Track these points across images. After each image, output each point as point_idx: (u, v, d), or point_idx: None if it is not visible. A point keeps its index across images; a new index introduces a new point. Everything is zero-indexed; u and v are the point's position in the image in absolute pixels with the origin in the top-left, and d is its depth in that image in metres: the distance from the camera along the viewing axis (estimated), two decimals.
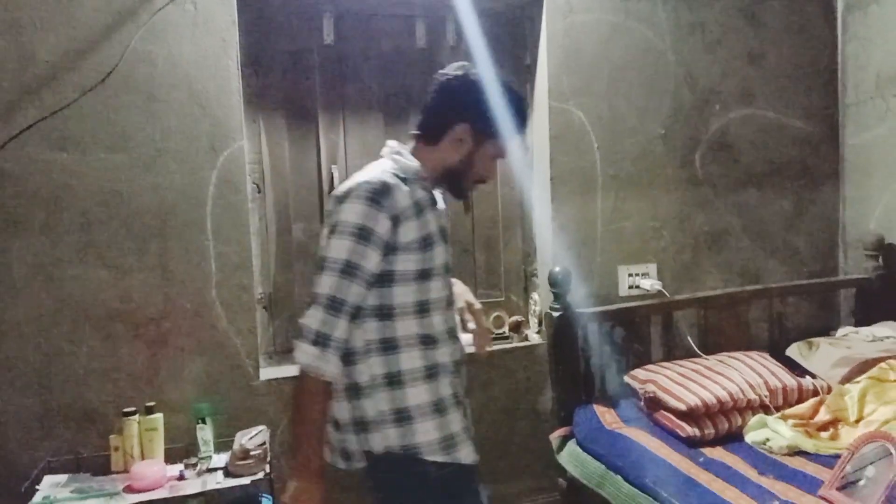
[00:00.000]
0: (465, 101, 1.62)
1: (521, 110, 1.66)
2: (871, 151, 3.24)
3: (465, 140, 1.64)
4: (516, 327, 3.00)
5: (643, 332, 2.91)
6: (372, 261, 1.50)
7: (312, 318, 1.47)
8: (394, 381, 1.56)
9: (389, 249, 1.53)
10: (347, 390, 1.58)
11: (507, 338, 2.97)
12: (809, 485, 2.05)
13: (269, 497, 2.28)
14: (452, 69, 1.66)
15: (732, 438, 2.40)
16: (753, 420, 2.43)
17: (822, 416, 2.43)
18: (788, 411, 2.45)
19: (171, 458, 2.33)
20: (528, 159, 3.05)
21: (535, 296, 3.02)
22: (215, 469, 2.26)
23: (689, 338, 2.90)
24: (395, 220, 1.52)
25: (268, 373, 2.64)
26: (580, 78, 2.93)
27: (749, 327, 3.05)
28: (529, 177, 3.04)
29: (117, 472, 2.26)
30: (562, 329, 2.69)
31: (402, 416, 1.56)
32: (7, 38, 2.28)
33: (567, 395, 2.72)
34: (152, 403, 2.35)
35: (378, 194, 1.51)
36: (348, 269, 1.48)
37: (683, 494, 2.07)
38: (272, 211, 2.75)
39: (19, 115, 2.30)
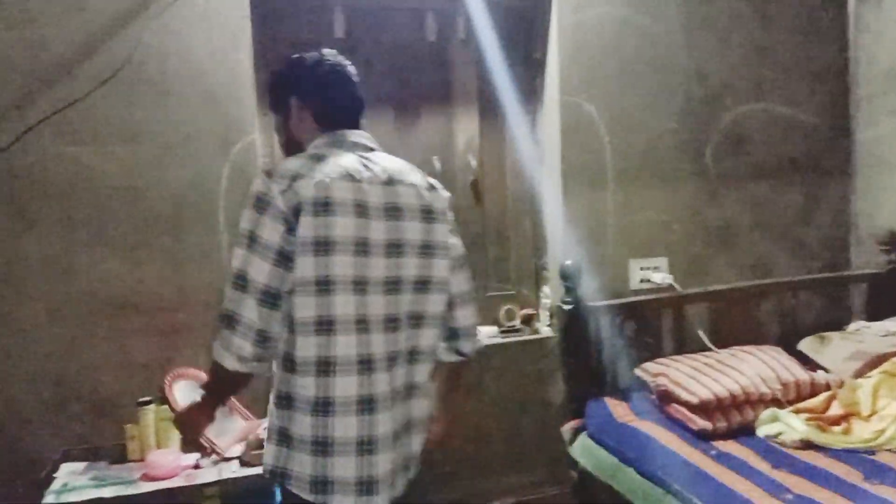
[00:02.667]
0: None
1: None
2: (882, 145, 3.22)
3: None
4: (527, 320, 3.00)
5: (654, 325, 2.91)
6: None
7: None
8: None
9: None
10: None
11: (518, 331, 2.97)
12: (822, 479, 2.05)
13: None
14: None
15: (744, 432, 2.40)
16: (765, 414, 2.42)
17: (835, 410, 2.42)
18: (801, 405, 2.45)
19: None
20: (538, 153, 3.05)
21: (545, 289, 3.02)
22: (230, 459, 2.26)
23: (700, 332, 2.89)
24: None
25: None
26: (590, 72, 2.92)
27: (760, 322, 3.05)
28: (540, 170, 3.04)
29: (133, 461, 2.27)
30: (573, 322, 2.69)
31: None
32: (20, 31, 2.29)
33: (579, 387, 2.73)
34: None
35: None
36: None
37: (696, 487, 2.07)
38: None
39: (33, 108, 2.31)
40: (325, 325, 1.40)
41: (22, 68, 2.30)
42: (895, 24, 3.12)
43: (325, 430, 1.41)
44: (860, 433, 2.30)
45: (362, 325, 1.42)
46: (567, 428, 2.70)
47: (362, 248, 1.43)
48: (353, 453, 1.43)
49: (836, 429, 2.35)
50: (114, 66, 2.36)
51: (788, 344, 2.91)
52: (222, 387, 1.51)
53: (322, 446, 1.41)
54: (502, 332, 2.95)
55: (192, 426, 1.57)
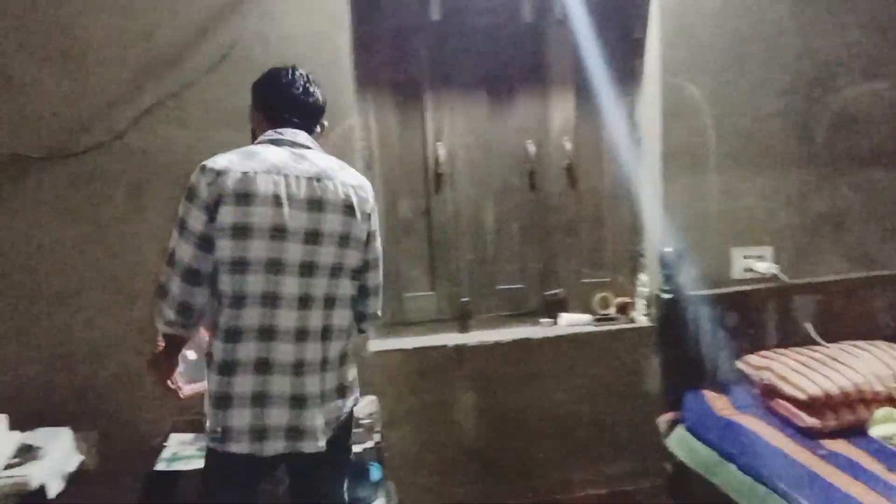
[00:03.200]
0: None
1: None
2: None
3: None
4: (623, 309, 2.94)
5: (757, 317, 2.79)
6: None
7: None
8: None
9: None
10: None
11: (612, 319, 2.91)
12: None
13: (378, 465, 2.33)
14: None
15: (855, 431, 2.29)
16: (879, 413, 2.30)
17: None
18: None
19: None
20: (636, 136, 2.96)
21: (642, 277, 2.94)
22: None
23: (807, 324, 2.76)
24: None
25: (376, 345, 2.70)
26: (694, 52, 2.81)
27: (874, 315, 2.88)
28: (637, 154, 2.96)
29: None
30: (672, 312, 2.63)
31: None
32: (134, 21, 2.38)
33: (676, 379, 2.66)
34: None
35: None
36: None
37: (804, 487, 1.99)
38: (380, 187, 2.78)
39: (146, 94, 2.40)
40: (237, 299, 1.62)
41: (136, 57, 2.39)
42: None
43: (228, 387, 1.64)
44: None
45: (269, 300, 1.64)
46: (663, 420, 2.64)
47: (279, 233, 1.64)
48: (252, 403, 1.64)
49: None
50: (220, 52, 2.43)
51: None
52: (166, 341, 1.75)
53: (223, 401, 1.64)
54: (596, 320, 2.90)
55: (155, 368, 1.80)
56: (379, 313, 1.95)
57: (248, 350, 1.63)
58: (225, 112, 2.45)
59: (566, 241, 2.96)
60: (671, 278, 2.62)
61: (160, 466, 2.16)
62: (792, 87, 2.91)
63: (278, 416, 1.65)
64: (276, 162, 1.67)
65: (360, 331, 1.94)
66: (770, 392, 2.42)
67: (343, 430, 1.83)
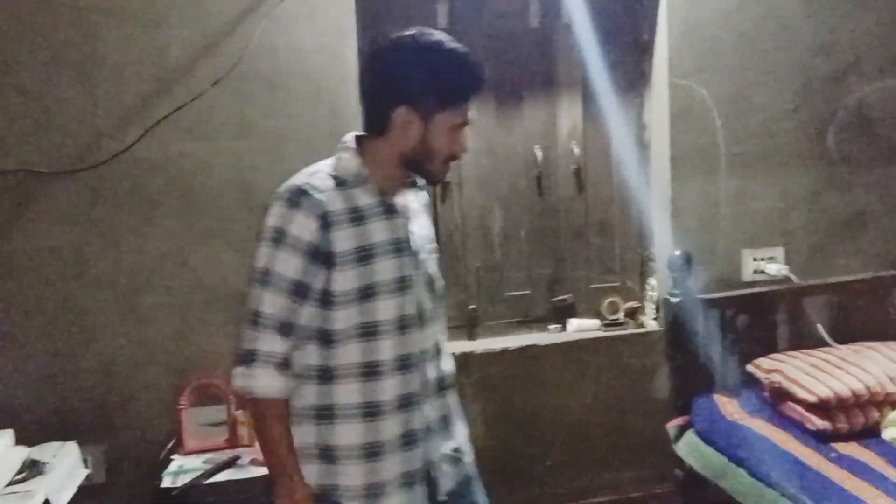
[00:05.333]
0: (396, 80, 1.41)
1: (466, 65, 1.44)
2: None
3: (412, 122, 1.41)
4: (632, 313, 2.93)
5: (768, 319, 2.76)
6: (291, 265, 1.35)
7: (241, 337, 1.39)
8: (323, 414, 1.41)
9: (322, 257, 1.36)
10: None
11: (621, 324, 2.90)
12: None
13: None
14: (377, 47, 1.50)
15: (868, 434, 2.26)
16: (893, 415, 2.27)
17: None
18: None
19: None
20: (645, 139, 2.95)
21: (651, 280, 2.93)
22: None
23: (819, 326, 2.73)
24: (325, 223, 1.36)
25: None
26: (703, 52, 2.79)
27: (888, 316, 2.84)
28: (646, 157, 2.95)
29: (244, 446, 2.39)
30: (681, 316, 2.60)
31: (327, 454, 1.41)
32: (146, 35, 2.41)
33: (685, 383, 2.64)
34: None
35: (296, 195, 1.37)
36: (264, 278, 1.36)
37: (815, 491, 1.97)
38: None
39: (155, 107, 2.44)
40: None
41: (147, 69, 2.43)
42: None
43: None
44: None
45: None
46: (672, 425, 2.62)
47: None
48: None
49: None
50: (228, 63, 2.45)
51: None
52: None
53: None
54: (605, 325, 2.89)
55: None
56: None
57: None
58: (234, 124, 2.49)
59: (574, 246, 2.96)
60: (680, 282, 2.61)
61: (166, 481, 2.18)
62: (805, 85, 2.88)
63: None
64: None
65: None
66: (780, 395, 2.39)
67: None
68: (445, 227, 2.86)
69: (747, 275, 2.85)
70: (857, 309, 2.80)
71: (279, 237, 1.35)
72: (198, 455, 2.33)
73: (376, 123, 1.44)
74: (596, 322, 2.90)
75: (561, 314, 2.94)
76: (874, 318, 2.80)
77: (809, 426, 2.27)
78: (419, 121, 1.41)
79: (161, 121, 2.43)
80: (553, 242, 2.95)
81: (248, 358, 1.36)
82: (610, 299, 2.93)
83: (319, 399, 1.41)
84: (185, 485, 2.13)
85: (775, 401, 2.42)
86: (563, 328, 2.90)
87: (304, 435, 1.42)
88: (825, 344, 2.67)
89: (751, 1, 2.80)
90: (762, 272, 2.83)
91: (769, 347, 2.69)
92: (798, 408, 2.32)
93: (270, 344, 1.36)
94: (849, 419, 2.27)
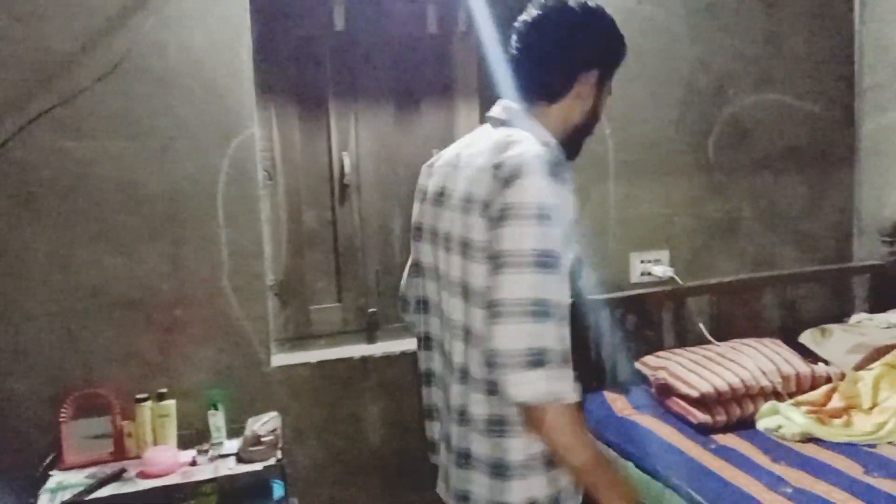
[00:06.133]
0: (583, 44, 1.37)
1: (619, 34, 1.45)
2: (887, 136, 3.20)
3: (591, 87, 1.37)
4: None
5: (655, 318, 2.90)
6: (563, 246, 1.20)
7: (514, 336, 1.15)
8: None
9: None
10: (491, 423, 1.29)
11: None
12: (822, 472, 2.04)
13: (281, 482, 2.29)
14: (548, 10, 1.41)
15: (744, 425, 2.39)
16: (766, 407, 2.41)
17: (836, 403, 2.41)
18: (801, 398, 2.44)
19: (183, 444, 2.35)
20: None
21: None
22: (227, 455, 2.27)
23: (700, 325, 2.89)
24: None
25: (279, 359, 2.65)
26: None
27: (762, 314, 3.04)
28: None
29: (130, 458, 2.28)
30: (572, 316, 2.66)
31: (550, 460, 1.28)
32: (25, 27, 2.27)
33: (577, 381, 2.71)
34: (164, 390, 2.37)
35: (557, 167, 1.20)
36: (545, 261, 1.16)
37: (695, 481, 2.07)
38: (283, 198, 2.76)
39: (34, 103, 2.29)
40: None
41: (26, 63, 2.28)
42: None
43: None
44: (861, 426, 2.29)
45: None
46: None
47: None
48: None
49: (837, 422, 2.34)
50: (114, 59, 2.35)
51: (790, 336, 2.90)
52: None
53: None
54: None
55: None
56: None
57: None
58: (119, 122, 2.37)
59: None
60: (572, 283, 2.68)
61: (44, 499, 2.04)
62: (686, 97, 3.05)
63: None
64: None
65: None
66: (666, 391, 2.51)
67: None
68: (344, 230, 2.84)
69: (635, 276, 2.98)
70: (733, 308, 2.98)
71: (548, 214, 1.16)
72: (80, 469, 2.21)
73: (553, 89, 1.36)
74: None
75: None
76: (748, 316, 2.99)
77: (692, 420, 2.38)
78: (595, 86, 1.37)
79: (38, 117, 2.29)
80: None
81: (545, 358, 1.15)
82: None
83: None
84: (64, 502, 2.00)
85: (661, 397, 2.53)
86: None
87: (530, 444, 1.28)
88: (706, 341, 2.82)
89: (636, 17, 2.95)
90: (649, 274, 2.97)
91: (656, 346, 2.83)
92: (682, 402, 2.44)
93: (564, 338, 1.19)
94: (727, 412, 2.40)
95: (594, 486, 1.28)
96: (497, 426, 1.30)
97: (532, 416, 1.21)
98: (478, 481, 1.33)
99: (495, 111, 1.41)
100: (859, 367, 2.57)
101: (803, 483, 1.98)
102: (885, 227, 3.13)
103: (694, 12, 3.02)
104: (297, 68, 2.76)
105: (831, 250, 3.32)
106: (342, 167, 2.80)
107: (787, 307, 3.11)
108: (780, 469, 2.08)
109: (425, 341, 1.57)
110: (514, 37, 1.42)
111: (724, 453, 2.21)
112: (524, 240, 1.16)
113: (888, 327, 2.86)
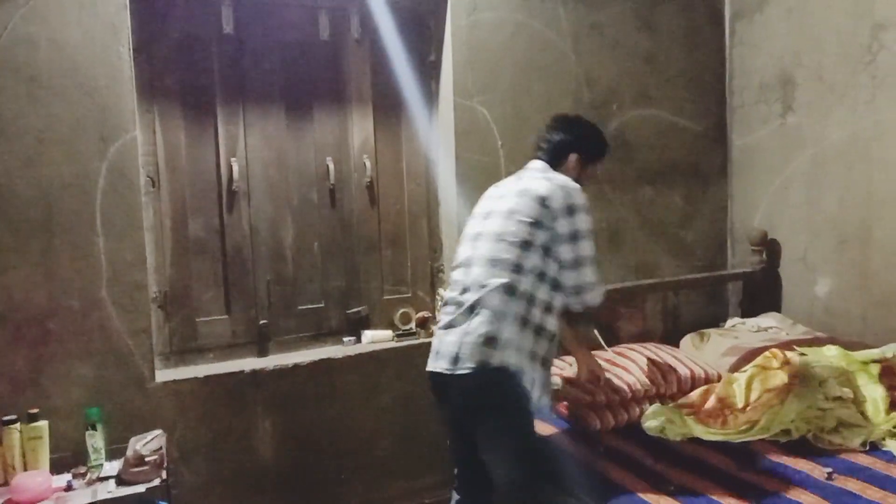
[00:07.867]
0: (576, 138, 2.27)
1: (603, 139, 2.36)
2: (755, 152, 3.44)
3: (575, 163, 2.26)
4: (423, 323, 3.00)
5: None
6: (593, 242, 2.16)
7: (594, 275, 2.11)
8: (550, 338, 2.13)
9: None
10: (537, 329, 2.04)
11: (413, 334, 2.96)
12: (701, 470, 2.16)
13: (167, 503, 2.18)
14: (564, 117, 2.37)
15: (631, 428, 2.49)
16: (650, 409, 2.51)
17: (712, 403, 2.53)
18: (682, 400, 2.56)
19: (57, 467, 2.20)
20: (434, 155, 3.05)
21: (441, 291, 3.03)
22: (107, 478, 2.15)
23: (595, 331, 2.97)
24: None
25: (164, 375, 2.53)
26: (484, 75, 2.96)
27: (646, 320, 3.17)
28: (436, 172, 3.05)
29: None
30: None
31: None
32: None
33: None
34: (36, 410, 2.20)
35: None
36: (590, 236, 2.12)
37: (584, 482, 2.13)
38: (168, 205, 2.63)
39: None
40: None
41: None
42: (767, 39, 3.33)
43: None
44: (735, 425, 2.42)
45: None
46: None
47: None
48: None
49: (714, 421, 2.47)
50: None
51: (672, 340, 3.05)
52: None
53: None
54: (398, 335, 2.94)
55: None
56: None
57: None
58: None
59: (368, 259, 2.98)
60: None
61: None
62: (573, 111, 3.13)
63: None
64: None
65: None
66: (560, 397, 2.57)
67: None
68: (232, 238, 2.74)
69: None
70: (619, 315, 3.10)
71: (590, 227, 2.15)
72: None
73: (557, 159, 2.26)
74: (389, 333, 2.93)
75: (356, 326, 2.94)
76: (633, 323, 3.12)
77: (584, 424, 2.46)
78: (578, 163, 2.28)
79: None
80: (347, 255, 2.94)
81: (601, 281, 2.14)
82: (402, 310, 2.99)
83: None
84: None
85: (556, 402, 2.59)
86: (358, 340, 2.90)
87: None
88: (601, 347, 2.91)
89: (525, 33, 3.03)
90: None
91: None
92: (573, 407, 2.51)
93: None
94: (615, 416, 2.49)
95: (578, 357, 2.49)
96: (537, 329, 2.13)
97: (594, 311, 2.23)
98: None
99: (537, 165, 2.27)
100: (734, 368, 2.72)
101: (683, 481, 2.10)
102: (754, 236, 3.35)
103: (579, 31, 3.14)
104: (183, 70, 2.65)
105: (708, 258, 3.52)
106: (230, 173, 2.71)
107: (668, 313, 3.27)
108: (662, 468, 2.20)
109: None
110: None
111: (612, 455, 2.30)
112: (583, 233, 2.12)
113: (758, 331, 3.06)
